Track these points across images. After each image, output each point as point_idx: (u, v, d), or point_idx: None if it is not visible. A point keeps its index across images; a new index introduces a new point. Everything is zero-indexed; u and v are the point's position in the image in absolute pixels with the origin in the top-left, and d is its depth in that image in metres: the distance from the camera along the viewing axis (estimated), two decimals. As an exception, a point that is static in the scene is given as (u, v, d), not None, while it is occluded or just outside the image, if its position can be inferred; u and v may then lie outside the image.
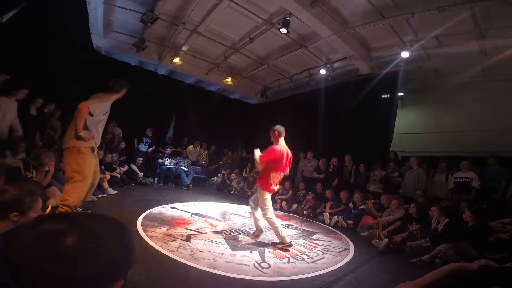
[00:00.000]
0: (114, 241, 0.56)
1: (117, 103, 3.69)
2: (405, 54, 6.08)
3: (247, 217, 4.98)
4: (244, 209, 5.69)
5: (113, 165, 6.05)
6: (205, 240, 3.25)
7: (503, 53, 5.59)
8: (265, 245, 3.41)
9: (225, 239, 3.42)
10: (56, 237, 0.50)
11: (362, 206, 5.24)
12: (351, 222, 5.07)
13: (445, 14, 4.89)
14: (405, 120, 8.17)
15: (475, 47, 5.71)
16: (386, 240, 3.81)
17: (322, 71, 7.69)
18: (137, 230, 3.23)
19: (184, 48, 7.81)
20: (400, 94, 7.82)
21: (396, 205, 4.60)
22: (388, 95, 7.10)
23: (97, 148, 3.61)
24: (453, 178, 4.92)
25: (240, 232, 3.87)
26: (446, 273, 1.69)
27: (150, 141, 7.98)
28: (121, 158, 6.79)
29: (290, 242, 3.42)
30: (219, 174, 8.94)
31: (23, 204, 1.38)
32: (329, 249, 3.59)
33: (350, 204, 5.54)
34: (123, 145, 7.36)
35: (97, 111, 3.22)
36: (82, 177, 3.18)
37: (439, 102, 7.83)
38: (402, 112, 8.18)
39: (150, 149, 7.95)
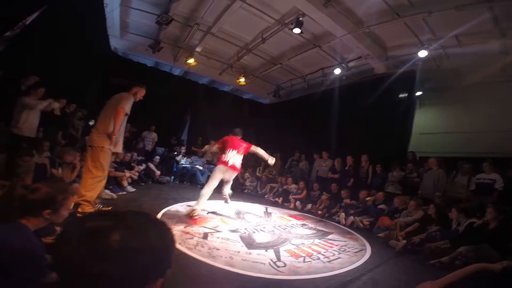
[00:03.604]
0: (157, 240, 0.56)
1: (137, 102, 3.83)
2: (423, 53, 5.89)
3: (261, 216, 5.03)
4: (258, 208, 5.73)
5: (132, 164, 6.24)
6: (222, 238, 3.30)
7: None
8: (280, 244, 3.43)
9: (241, 237, 3.47)
10: (102, 234, 0.51)
11: (381, 206, 5.17)
12: (367, 222, 4.99)
13: (464, 13, 4.73)
14: (423, 120, 7.91)
15: (495, 46, 5.49)
16: (404, 241, 3.73)
17: (337, 71, 7.57)
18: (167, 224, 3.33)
19: (198, 49, 7.92)
20: (418, 93, 7.60)
21: (415, 206, 4.50)
22: (406, 95, 6.94)
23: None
24: (475, 179, 4.76)
25: (255, 230, 3.90)
26: (468, 273, 1.66)
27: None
28: (139, 157, 7.01)
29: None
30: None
31: (56, 202, 1.43)
32: (345, 249, 3.56)
33: (369, 202, 5.48)
34: (141, 144, 7.60)
35: (129, 110, 3.48)
36: (102, 174, 3.34)
37: (458, 102, 7.51)
38: (420, 112, 7.92)
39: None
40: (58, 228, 2.11)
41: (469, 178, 4.95)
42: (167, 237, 0.60)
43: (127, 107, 3.44)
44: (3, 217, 1.31)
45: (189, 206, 4.86)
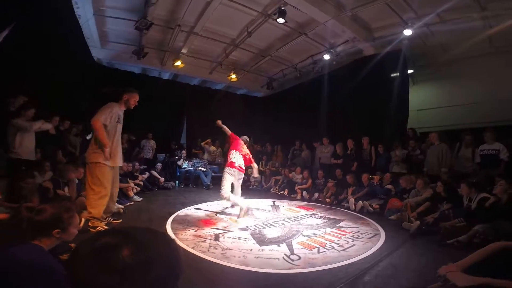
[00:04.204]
0: (164, 251, 0.58)
1: (131, 112, 3.74)
2: (408, 32, 5.92)
3: (269, 211, 5.03)
4: (265, 203, 5.73)
5: (135, 173, 6.21)
6: (233, 238, 3.30)
7: (507, 24, 5.32)
8: (291, 236, 3.42)
9: (251, 234, 3.46)
10: (113, 250, 0.52)
11: (388, 186, 5.15)
12: (377, 206, 4.97)
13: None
14: (418, 97, 7.96)
15: (478, 20, 5.50)
16: (418, 222, 3.66)
17: (326, 57, 7.55)
18: (168, 234, 3.33)
19: (184, 51, 7.79)
20: (410, 71, 7.64)
21: (422, 185, 4.46)
22: (398, 74, 6.92)
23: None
24: (479, 151, 4.69)
25: (264, 226, 3.89)
26: (489, 253, 1.64)
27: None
28: (141, 166, 6.99)
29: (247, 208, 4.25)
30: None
31: (63, 221, 1.46)
32: (359, 236, 3.54)
33: (375, 181, 5.51)
34: (142, 153, 7.59)
35: (108, 120, 3.33)
36: (102, 189, 3.33)
37: (450, 76, 7.60)
38: (414, 89, 8.00)
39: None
40: (73, 245, 2.16)
41: (473, 150, 4.88)
42: (172, 247, 0.62)
43: (104, 117, 3.28)
44: (15, 240, 1.33)
45: (198, 209, 4.88)
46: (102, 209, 3.37)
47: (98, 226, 3.24)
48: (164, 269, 0.55)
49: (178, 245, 0.61)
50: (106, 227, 3.28)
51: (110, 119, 3.36)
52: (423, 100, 8.07)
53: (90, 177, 3.35)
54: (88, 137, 6.27)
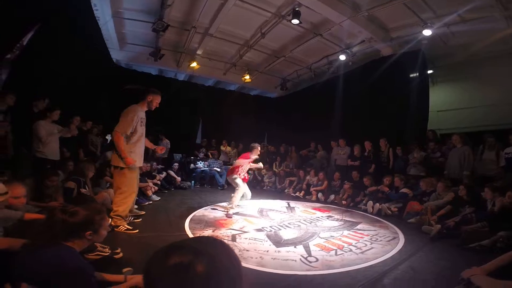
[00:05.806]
0: (229, 262, 0.61)
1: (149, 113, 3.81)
2: (427, 32, 5.79)
3: (284, 212, 5.03)
4: (280, 204, 5.73)
5: (153, 173, 6.36)
6: (249, 239, 3.32)
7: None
8: (308, 238, 3.41)
9: (267, 236, 3.47)
10: (189, 267, 0.54)
11: (403, 190, 5.03)
12: (395, 209, 4.86)
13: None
14: (438, 97, 7.72)
15: (501, 20, 5.30)
16: (438, 225, 3.57)
17: (342, 57, 7.46)
18: (187, 234, 3.41)
19: (199, 52, 7.92)
20: (430, 71, 7.41)
21: (443, 188, 4.33)
22: (417, 74, 6.71)
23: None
24: (504, 154, 4.50)
25: (280, 227, 3.89)
26: None
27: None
28: (159, 166, 7.14)
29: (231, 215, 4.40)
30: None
31: (94, 223, 1.51)
32: (377, 239, 3.49)
33: (385, 190, 5.36)
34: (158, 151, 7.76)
35: (129, 129, 3.34)
36: (128, 189, 3.44)
37: (471, 76, 7.32)
38: (434, 89, 7.75)
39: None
40: (98, 245, 2.27)
41: (497, 152, 4.68)
42: (235, 257, 0.64)
43: (123, 127, 3.30)
44: (50, 241, 1.39)
45: (215, 209, 4.98)
46: (128, 208, 3.50)
47: (120, 225, 3.33)
48: (229, 280, 0.57)
49: (237, 255, 0.64)
50: (128, 226, 3.38)
51: (135, 125, 3.38)
52: (443, 101, 7.82)
53: (117, 178, 3.45)
54: (108, 138, 6.48)
